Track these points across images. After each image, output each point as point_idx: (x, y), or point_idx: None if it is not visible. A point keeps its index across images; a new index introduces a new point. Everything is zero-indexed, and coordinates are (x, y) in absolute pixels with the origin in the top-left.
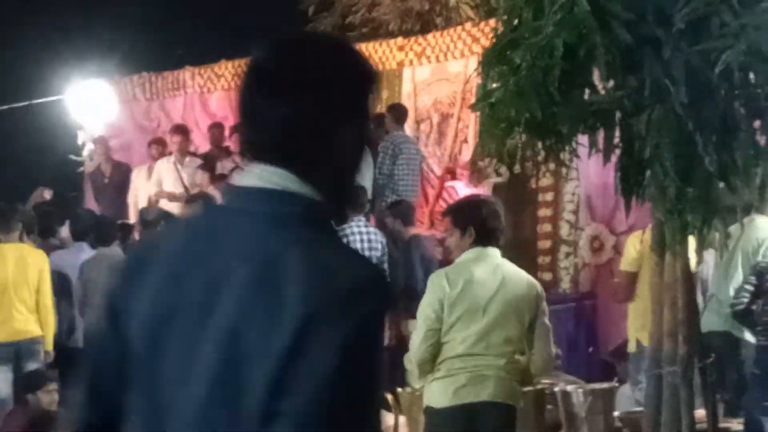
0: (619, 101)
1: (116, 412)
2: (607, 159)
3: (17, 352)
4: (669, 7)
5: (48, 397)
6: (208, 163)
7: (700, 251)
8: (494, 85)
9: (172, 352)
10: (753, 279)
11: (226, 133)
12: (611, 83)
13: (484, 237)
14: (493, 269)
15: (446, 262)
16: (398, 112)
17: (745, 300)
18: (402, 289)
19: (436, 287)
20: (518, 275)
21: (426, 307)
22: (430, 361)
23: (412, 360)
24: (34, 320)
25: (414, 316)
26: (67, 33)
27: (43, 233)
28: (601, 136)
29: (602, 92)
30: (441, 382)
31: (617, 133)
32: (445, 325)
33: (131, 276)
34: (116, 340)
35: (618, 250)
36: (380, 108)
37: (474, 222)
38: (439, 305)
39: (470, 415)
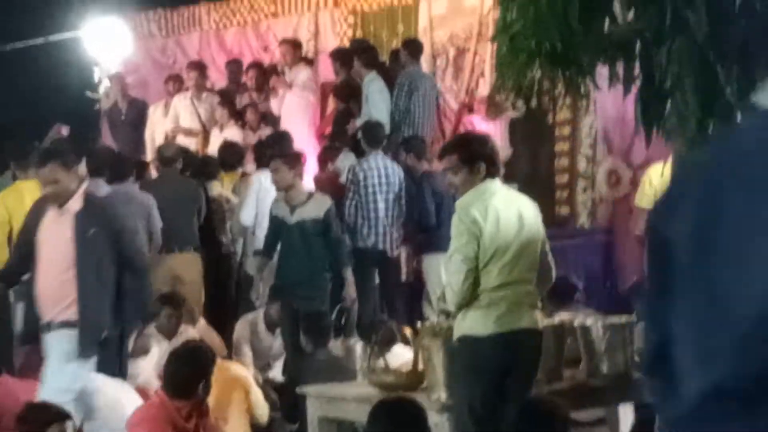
0: (639, 32)
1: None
2: (627, 90)
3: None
4: None
5: None
6: (225, 99)
7: None
8: (514, 17)
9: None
10: None
11: (243, 69)
12: (632, 14)
13: (494, 170)
14: (508, 200)
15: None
16: (414, 47)
17: None
18: (415, 223)
19: (470, 225)
20: (528, 202)
21: (464, 247)
22: (471, 295)
23: (454, 296)
24: None
25: (429, 251)
26: None
27: None
28: (621, 67)
29: (622, 23)
30: (482, 312)
31: (637, 64)
32: (481, 260)
33: (674, 200)
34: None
35: (635, 183)
36: (396, 43)
37: (483, 157)
38: (477, 243)
39: (511, 341)
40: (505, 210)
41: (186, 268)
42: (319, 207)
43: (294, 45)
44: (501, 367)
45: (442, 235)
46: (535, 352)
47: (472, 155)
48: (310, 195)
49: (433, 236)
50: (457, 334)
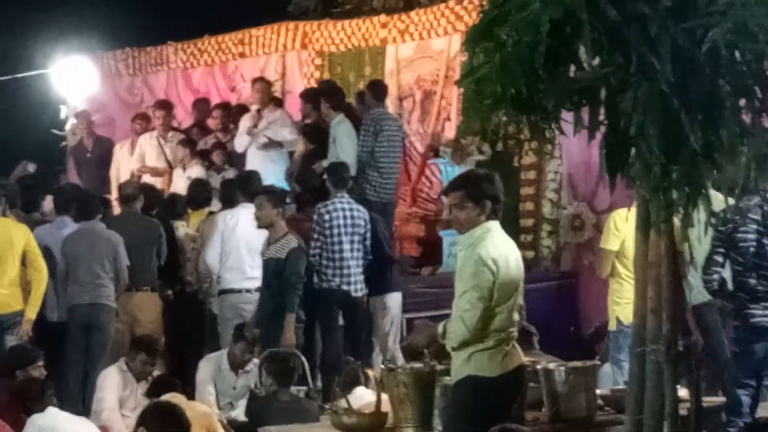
0: (604, 78)
1: None
2: (592, 136)
3: (0, 326)
4: None
5: (37, 372)
6: (188, 138)
7: (684, 229)
8: (480, 62)
9: None
10: (718, 243)
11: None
12: (597, 60)
13: (498, 210)
14: (508, 241)
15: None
16: (378, 89)
17: (717, 272)
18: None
19: (488, 267)
20: (515, 246)
21: (481, 286)
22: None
23: (465, 334)
24: (17, 294)
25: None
26: (50, 7)
27: (26, 207)
28: (586, 113)
29: (588, 69)
30: (489, 353)
31: (602, 111)
32: (495, 301)
33: None
34: None
35: (599, 228)
36: (363, 85)
37: (490, 196)
38: (492, 285)
39: (514, 379)
40: (509, 251)
41: (143, 308)
42: (283, 247)
43: (268, 84)
44: (507, 404)
45: (394, 275)
46: (526, 386)
47: (478, 193)
48: (285, 234)
49: (388, 275)
50: (460, 374)
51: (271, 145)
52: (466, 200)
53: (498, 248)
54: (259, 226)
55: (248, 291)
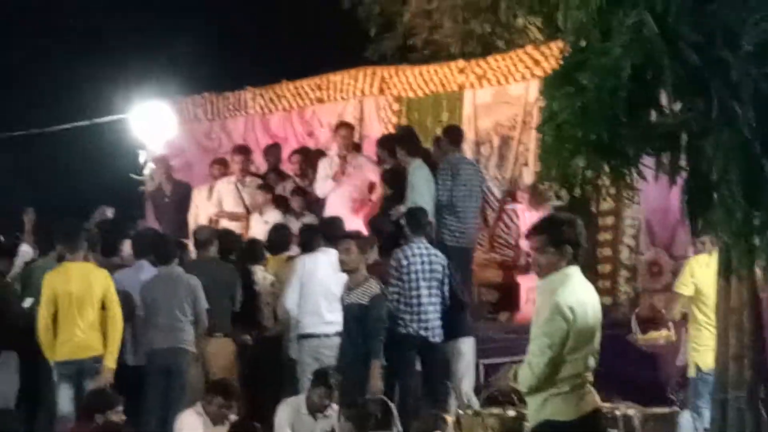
0: (686, 123)
1: None
2: (673, 181)
3: (79, 369)
4: (737, 29)
5: (116, 417)
6: (267, 183)
7: (766, 275)
8: (560, 107)
9: None
10: None
11: (283, 154)
12: (678, 105)
13: (578, 254)
14: (587, 286)
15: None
16: (454, 134)
17: None
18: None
19: (563, 316)
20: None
21: (554, 332)
22: (549, 380)
23: (531, 378)
24: (96, 338)
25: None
26: (130, 53)
27: (105, 251)
28: (667, 158)
29: (669, 114)
30: (564, 397)
31: (683, 156)
32: (570, 347)
33: None
34: None
35: (677, 274)
36: (439, 130)
37: (571, 241)
38: (566, 333)
39: (590, 422)
40: (588, 297)
41: (217, 354)
42: (365, 293)
43: (352, 129)
44: None
45: (468, 320)
46: (604, 430)
47: (560, 238)
48: (366, 280)
49: (463, 320)
50: (537, 419)
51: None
52: (547, 245)
53: (576, 295)
54: (344, 270)
55: (327, 336)
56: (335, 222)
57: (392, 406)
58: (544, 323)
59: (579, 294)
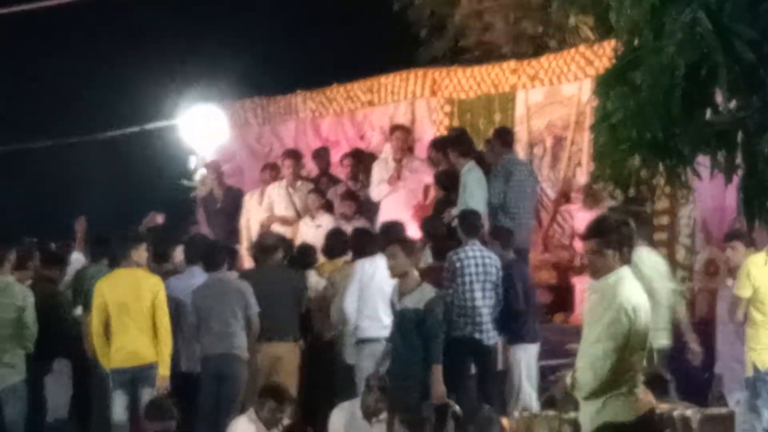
0: (741, 121)
1: None
2: (728, 180)
3: (133, 377)
4: None
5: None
6: (318, 187)
7: None
8: (613, 106)
9: None
10: None
11: (334, 158)
12: (734, 103)
13: (630, 256)
14: (639, 288)
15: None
16: (505, 136)
17: None
18: (504, 310)
19: (627, 316)
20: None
21: (618, 337)
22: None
23: (594, 381)
24: (149, 345)
25: (517, 341)
26: (180, 58)
27: (157, 258)
28: (722, 156)
29: (724, 112)
30: (625, 398)
31: (739, 155)
32: (630, 349)
33: None
34: None
35: (733, 274)
36: (491, 132)
37: (625, 242)
38: (628, 333)
39: (650, 422)
40: (642, 298)
41: (284, 359)
42: (421, 297)
43: (407, 131)
44: None
45: (529, 325)
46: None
47: (616, 239)
48: (419, 284)
49: (521, 326)
50: (597, 422)
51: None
52: (603, 247)
53: (636, 296)
54: (393, 276)
55: (386, 340)
56: (395, 226)
57: (457, 410)
58: (608, 325)
59: (636, 295)
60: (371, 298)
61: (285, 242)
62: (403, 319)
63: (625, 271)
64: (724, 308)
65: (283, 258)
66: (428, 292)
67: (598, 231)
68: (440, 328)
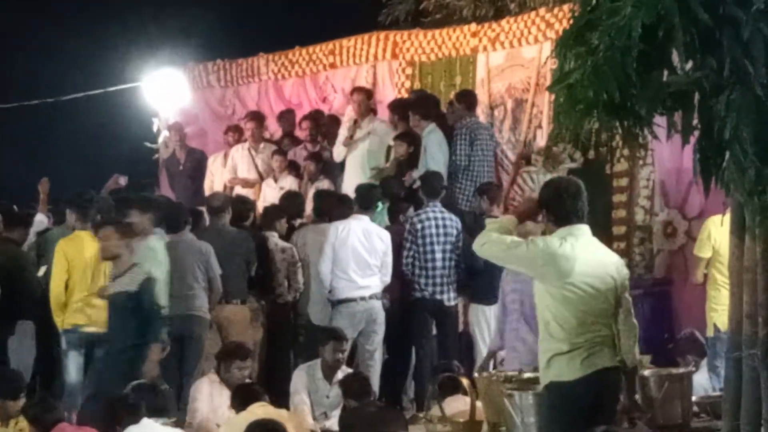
0: (697, 82)
1: None
2: (685, 141)
3: (90, 338)
4: None
5: None
6: (281, 149)
7: None
8: (571, 67)
9: None
10: None
11: (297, 119)
12: (690, 64)
13: (558, 216)
14: (598, 250)
15: None
16: (469, 99)
17: None
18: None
19: (548, 250)
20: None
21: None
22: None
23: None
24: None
25: (475, 301)
26: (142, 21)
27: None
28: (679, 117)
29: (681, 73)
30: (570, 357)
31: (696, 115)
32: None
33: None
34: None
35: (690, 235)
36: (452, 94)
37: (545, 204)
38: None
39: (595, 381)
40: (598, 259)
41: (233, 320)
42: (132, 279)
43: (367, 94)
44: (589, 407)
45: (489, 285)
46: (616, 389)
47: (540, 202)
48: (130, 267)
49: (480, 286)
50: (544, 381)
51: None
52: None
53: (575, 251)
54: (103, 259)
55: (363, 299)
56: (370, 189)
57: (165, 388)
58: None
59: (583, 252)
60: (344, 260)
61: (239, 203)
62: (115, 303)
63: (573, 230)
64: None
65: (240, 219)
66: (140, 273)
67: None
68: (157, 308)
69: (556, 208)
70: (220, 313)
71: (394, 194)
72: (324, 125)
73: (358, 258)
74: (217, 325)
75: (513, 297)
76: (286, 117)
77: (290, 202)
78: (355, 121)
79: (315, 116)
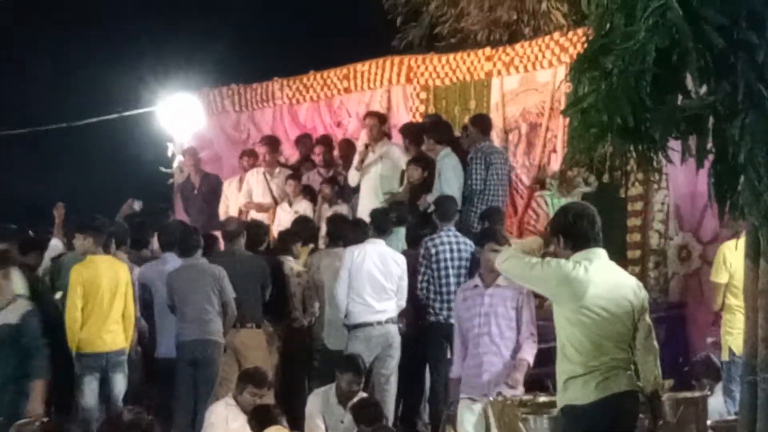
0: (712, 106)
1: None
2: (700, 165)
3: (106, 362)
4: (762, 11)
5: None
6: (294, 173)
7: None
8: (585, 91)
9: None
10: None
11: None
12: (704, 88)
13: (576, 243)
14: (616, 273)
15: None
16: (483, 123)
17: None
18: None
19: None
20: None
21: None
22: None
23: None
24: (121, 331)
25: None
26: (158, 46)
27: (135, 244)
28: (693, 141)
29: (695, 97)
30: (585, 381)
31: (710, 139)
32: (576, 328)
33: None
34: None
35: (705, 259)
36: (467, 119)
37: (560, 230)
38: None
39: (613, 405)
40: (613, 281)
41: (248, 345)
42: (15, 312)
43: (380, 118)
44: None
45: None
46: (633, 414)
47: (554, 228)
48: (13, 299)
49: None
50: (560, 404)
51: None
52: (550, 235)
53: (594, 275)
54: None
55: (379, 323)
56: (385, 213)
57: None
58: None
59: (598, 276)
60: (360, 285)
61: (253, 227)
62: None
63: (589, 255)
64: None
65: (255, 243)
66: (23, 306)
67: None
68: (40, 342)
69: (573, 234)
70: (234, 338)
71: (404, 219)
72: (339, 149)
73: (374, 282)
74: (233, 349)
75: (480, 320)
76: (304, 141)
77: (303, 227)
78: (367, 146)
79: (325, 141)
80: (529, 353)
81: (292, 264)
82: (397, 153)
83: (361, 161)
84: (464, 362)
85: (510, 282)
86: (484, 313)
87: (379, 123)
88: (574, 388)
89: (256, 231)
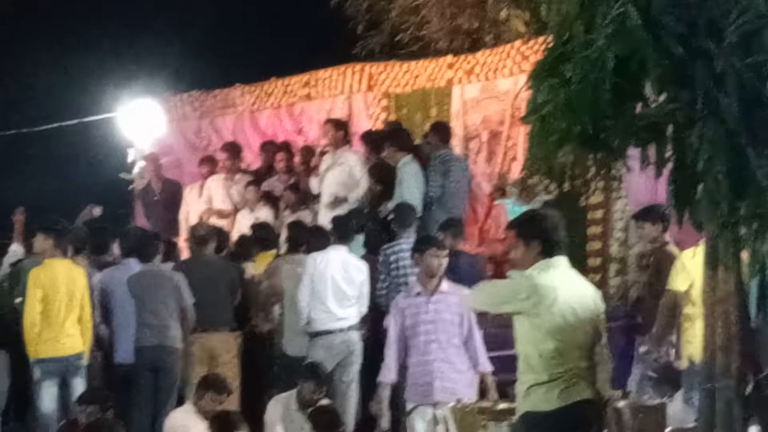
0: (670, 115)
1: None
2: (658, 173)
3: (64, 367)
4: (720, 20)
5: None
6: (255, 180)
7: (753, 265)
8: (545, 99)
9: None
10: None
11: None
12: (663, 97)
13: (551, 249)
14: (578, 282)
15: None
16: (443, 131)
17: None
18: None
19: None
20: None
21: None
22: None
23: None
24: (79, 335)
25: None
26: (118, 52)
27: (96, 250)
28: (652, 150)
29: (654, 106)
30: (548, 387)
31: (669, 147)
32: (539, 334)
33: None
34: None
35: None
36: (428, 126)
37: (537, 235)
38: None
39: (576, 413)
40: (578, 290)
41: (222, 348)
42: None
43: (336, 125)
44: None
45: None
46: (593, 422)
47: (528, 233)
48: None
49: None
50: (521, 410)
51: (337, 202)
52: (518, 240)
53: (555, 281)
54: None
55: (341, 330)
56: (347, 220)
57: None
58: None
59: (564, 282)
60: (323, 292)
61: (219, 233)
62: None
63: (554, 262)
64: None
65: (219, 249)
66: None
67: (512, 224)
68: None
69: (550, 240)
70: (207, 342)
71: (363, 226)
72: (300, 156)
73: (336, 289)
74: (206, 354)
75: (427, 327)
76: (268, 148)
77: (262, 233)
78: (322, 153)
79: (285, 147)
80: (487, 364)
81: (252, 270)
82: (353, 160)
83: (315, 167)
84: (409, 370)
85: (454, 288)
86: (430, 321)
87: (335, 129)
88: (536, 395)
89: (220, 238)
